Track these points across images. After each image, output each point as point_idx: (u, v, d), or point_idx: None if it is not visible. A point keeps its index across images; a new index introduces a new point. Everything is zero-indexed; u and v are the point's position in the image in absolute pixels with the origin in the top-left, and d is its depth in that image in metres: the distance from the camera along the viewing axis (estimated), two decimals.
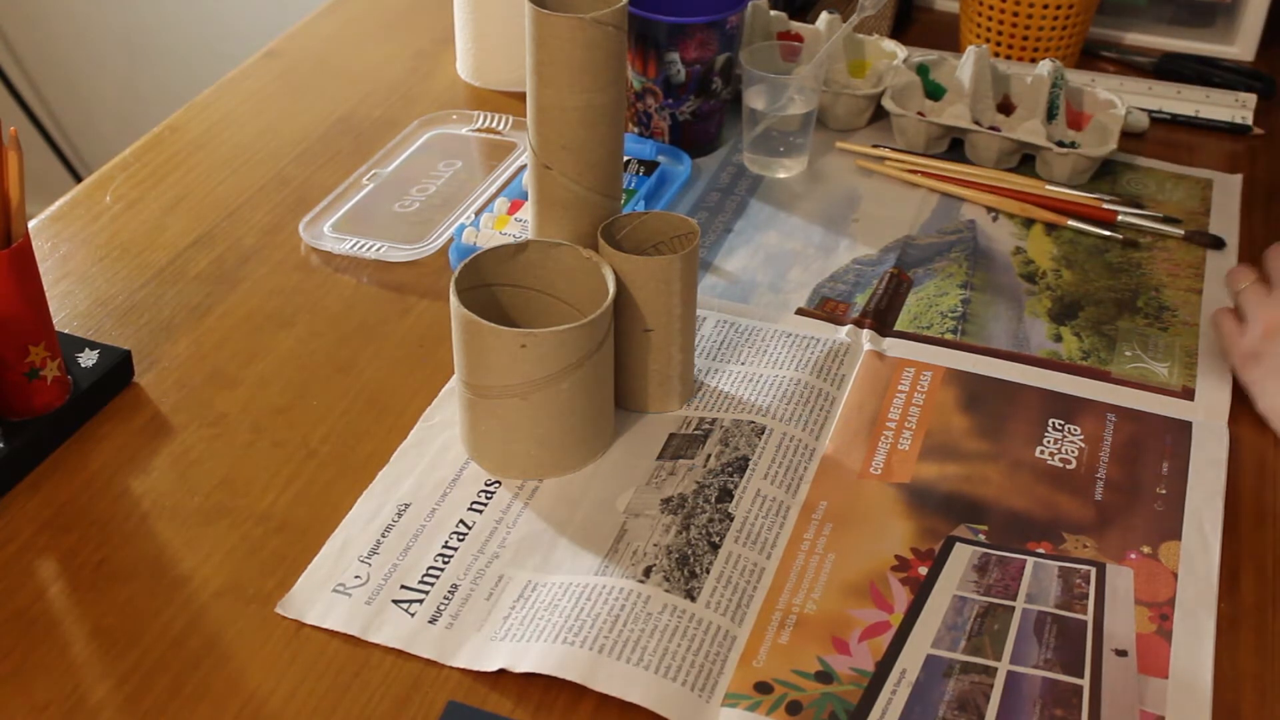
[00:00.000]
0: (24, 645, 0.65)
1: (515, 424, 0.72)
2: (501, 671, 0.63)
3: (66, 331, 0.83)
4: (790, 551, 0.70)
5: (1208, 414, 0.80)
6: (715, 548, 0.69)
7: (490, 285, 0.75)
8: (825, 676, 0.64)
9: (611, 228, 0.75)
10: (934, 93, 1.08)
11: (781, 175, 1.02)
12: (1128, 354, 0.85)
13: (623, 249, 0.75)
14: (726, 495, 0.72)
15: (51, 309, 0.76)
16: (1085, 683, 0.64)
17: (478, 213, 0.95)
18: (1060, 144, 1.01)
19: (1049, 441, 0.77)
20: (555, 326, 0.69)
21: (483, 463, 0.75)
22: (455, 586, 0.68)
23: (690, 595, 0.66)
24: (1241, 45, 1.19)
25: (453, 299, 0.70)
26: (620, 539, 0.70)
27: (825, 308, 0.88)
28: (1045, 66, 1.02)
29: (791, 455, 0.76)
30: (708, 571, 0.68)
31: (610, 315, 0.72)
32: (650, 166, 0.99)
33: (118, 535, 0.71)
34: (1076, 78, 1.09)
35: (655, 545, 0.69)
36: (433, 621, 0.66)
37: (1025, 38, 1.14)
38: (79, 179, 2.20)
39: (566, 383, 0.70)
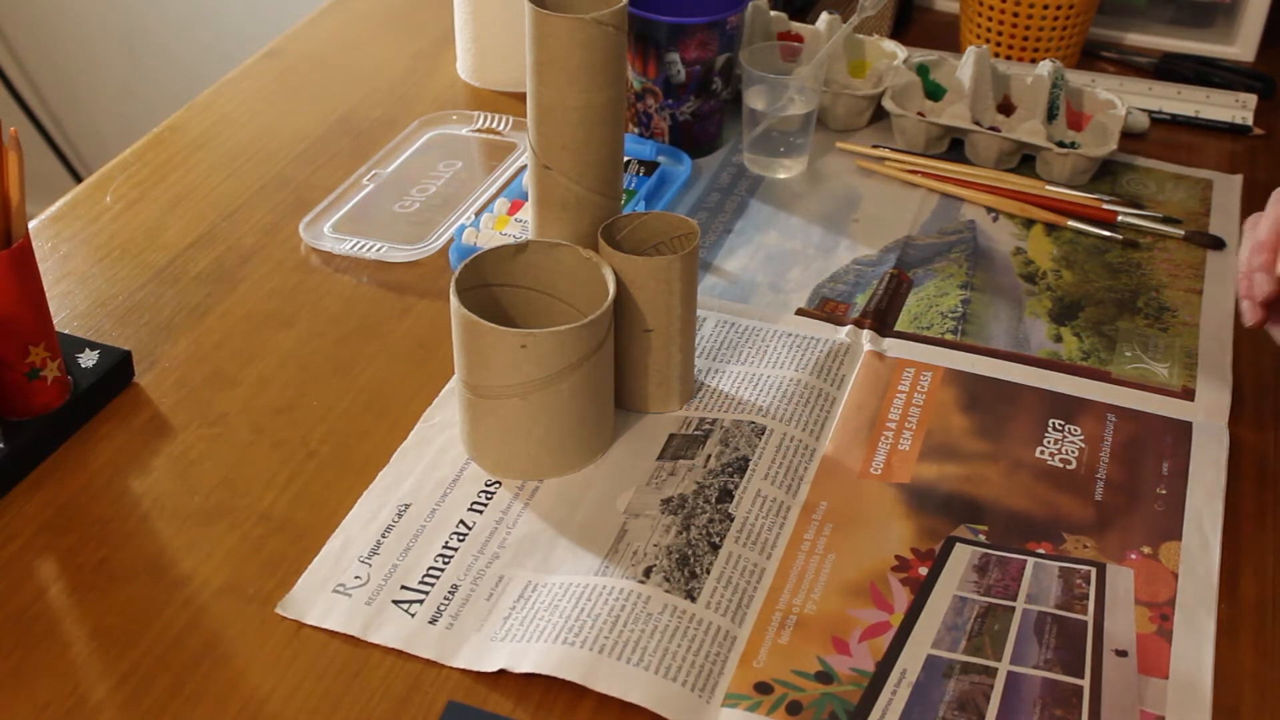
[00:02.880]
0: (24, 645, 0.65)
1: (515, 424, 0.72)
2: (501, 672, 0.63)
3: (66, 331, 0.83)
4: (790, 552, 0.70)
5: (1208, 414, 0.80)
6: (715, 548, 0.69)
7: (491, 285, 0.75)
8: (825, 677, 0.64)
9: (612, 228, 0.75)
10: (934, 93, 1.08)
11: (781, 175, 1.02)
12: (1128, 354, 0.85)
13: (623, 249, 0.75)
14: (727, 495, 0.72)
15: (51, 309, 0.76)
16: (1085, 683, 0.64)
17: (478, 213, 0.95)
18: (1060, 144, 1.01)
19: (1049, 442, 0.77)
20: (555, 327, 0.69)
21: (482, 463, 0.75)
22: (455, 587, 0.68)
23: (690, 596, 0.66)
24: (1241, 45, 1.19)
25: (453, 299, 0.70)
26: (620, 539, 0.70)
27: (825, 308, 0.88)
28: (1045, 67, 1.02)
29: (791, 455, 0.76)
30: (708, 572, 0.68)
31: (610, 316, 0.72)
32: (650, 166, 0.99)
33: (118, 535, 0.71)
34: (1076, 78, 1.09)
35: (655, 545, 0.69)
36: (433, 622, 0.66)
37: (1025, 38, 1.14)
38: (79, 179, 2.20)
39: (566, 383, 0.70)
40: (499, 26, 1.10)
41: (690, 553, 0.69)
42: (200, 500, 0.73)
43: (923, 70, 1.08)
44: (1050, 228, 0.97)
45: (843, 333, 0.85)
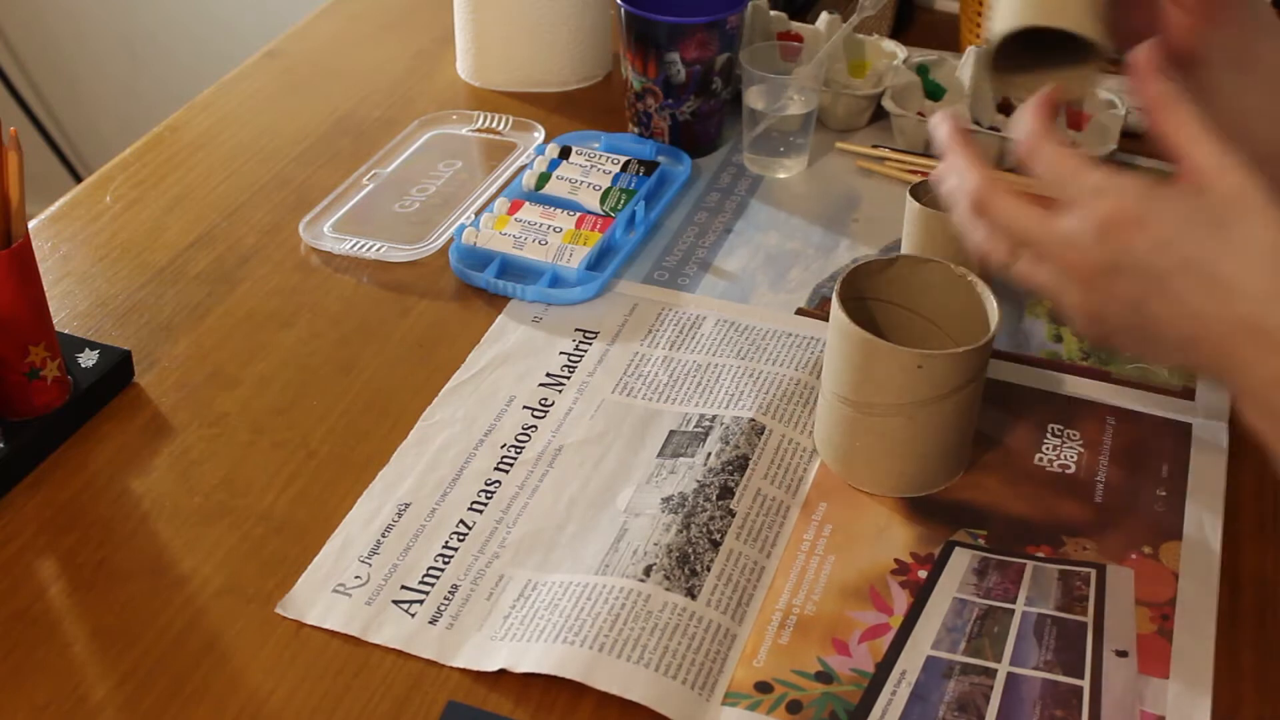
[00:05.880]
0: (24, 645, 0.65)
1: (898, 442, 0.71)
2: (501, 671, 0.63)
3: (66, 331, 0.83)
4: (790, 552, 0.70)
5: (1208, 414, 0.80)
6: (716, 545, 0.69)
7: (866, 299, 0.75)
8: (825, 677, 0.64)
9: (919, 190, 0.81)
10: (934, 93, 1.07)
11: (781, 175, 1.02)
12: (1127, 354, 0.85)
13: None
14: (728, 493, 0.72)
15: (51, 309, 0.76)
16: (1085, 683, 0.64)
17: (478, 213, 0.95)
18: None
19: (1048, 447, 0.77)
20: (952, 349, 0.68)
21: (852, 478, 0.74)
22: (455, 586, 0.68)
23: (691, 593, 0.66)
24: None
25: (839, 314, 0.70)
26: (621, 538, 0.70)
27: (825, 308, 0.88)
28: None
29: (791, 456, 0.76)
30: (708, 569, 0.68)
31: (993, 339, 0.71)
32: (650, 166, 0.98)
33: (118, 535, 0.71)
34: None
35: (655, 545, 0.69)
36: (433, 622, 0.66)
37: None
38: (79, 179, 2.20)
39: (952, 402, 0.70)
40: (499, 26, 1.10)
41: (691, 550, 0.69)
42: (200, 500, 0.73)
43: (923, 70, 1.08)
44: None
45: None
